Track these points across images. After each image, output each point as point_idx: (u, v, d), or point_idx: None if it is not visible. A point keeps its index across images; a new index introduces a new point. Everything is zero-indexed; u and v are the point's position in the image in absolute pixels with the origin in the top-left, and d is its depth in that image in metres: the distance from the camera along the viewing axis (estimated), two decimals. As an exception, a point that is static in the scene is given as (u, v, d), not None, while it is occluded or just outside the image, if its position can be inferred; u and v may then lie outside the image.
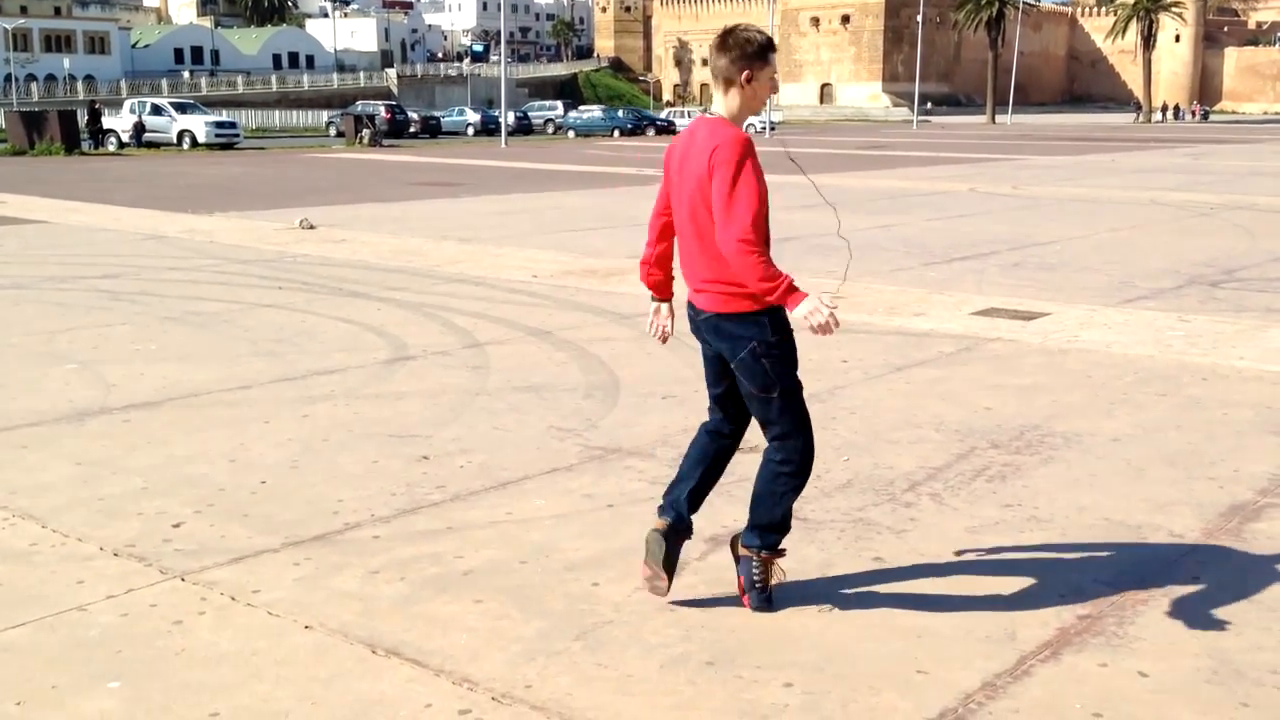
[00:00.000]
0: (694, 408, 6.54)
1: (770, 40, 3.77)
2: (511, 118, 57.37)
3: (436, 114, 64.99)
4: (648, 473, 5.43)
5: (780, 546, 3.96)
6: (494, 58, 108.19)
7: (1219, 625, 3.82)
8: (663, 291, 4.18)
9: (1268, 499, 5.06)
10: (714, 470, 4.07)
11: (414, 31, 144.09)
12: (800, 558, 4.38)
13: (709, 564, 4.34)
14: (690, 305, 3.92)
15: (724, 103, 3.74)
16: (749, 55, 3.67)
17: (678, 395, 6.84)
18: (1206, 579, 4.21)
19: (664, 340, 4.23)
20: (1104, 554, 4.45)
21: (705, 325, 3.86)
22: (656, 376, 7.31)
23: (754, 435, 4.06)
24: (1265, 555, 4.44)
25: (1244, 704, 3.32)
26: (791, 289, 3.52)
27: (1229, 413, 6.47)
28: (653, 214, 4.05)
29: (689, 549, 4.48)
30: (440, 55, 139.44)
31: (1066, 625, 3.82)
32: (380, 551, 4.44)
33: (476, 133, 61.48)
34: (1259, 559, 4.40)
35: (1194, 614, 3.92)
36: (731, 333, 3.77)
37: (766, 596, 3.94)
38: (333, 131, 57.56)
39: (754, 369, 3.76)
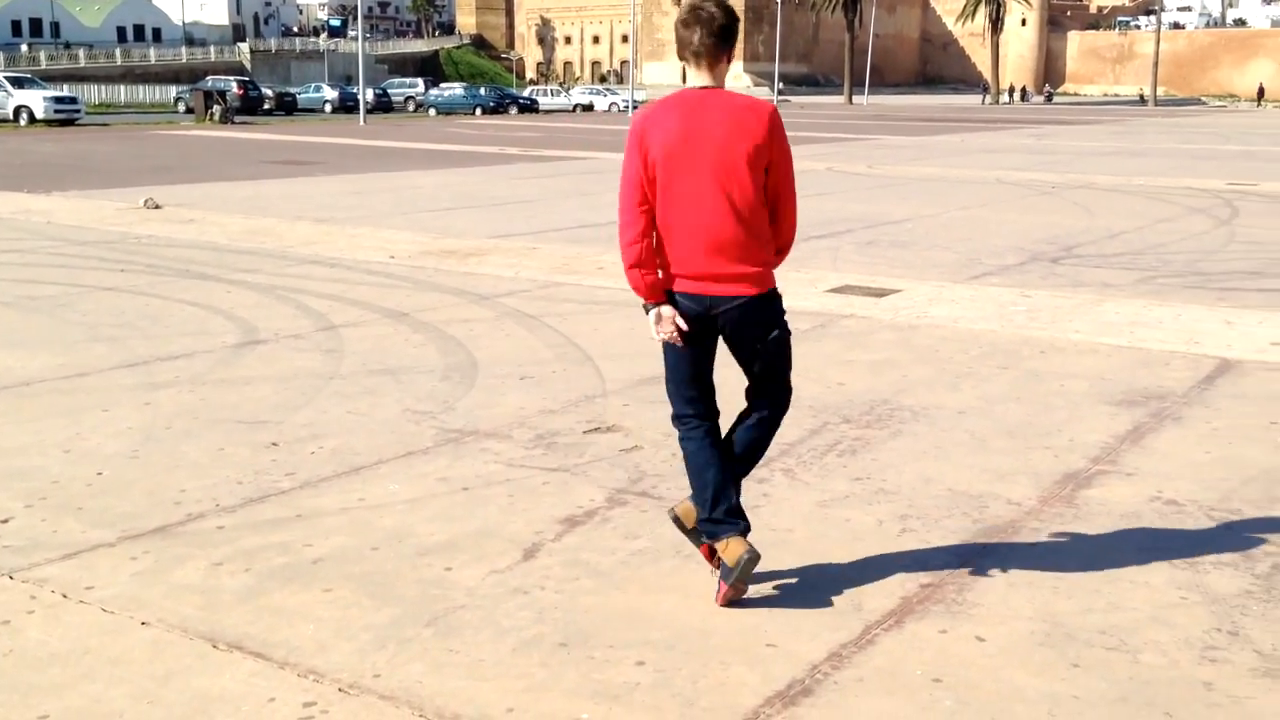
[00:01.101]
0: (552, 389, 6.53)
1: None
2: (370, 95, 56.12)
3: (292, 90, 63.28)
4: (504, 454, 5.39)
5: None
6: (352, 33, 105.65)
7: (1053, 589, 3.98)
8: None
9: (1099, 466, 5.29)
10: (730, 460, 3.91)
11: (268, 5, 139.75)
12: (654, 536, 4.41)
13: (563, 545, 4.33)
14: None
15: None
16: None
17: (535, 376, 6.80)
18: (1042, 545, 4.38)
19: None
20: (947, 523, 4.58)
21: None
22: (515, 357, 7.25)
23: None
24: (1096, 521, 4.63)
25: (1074, 664, 3.46)
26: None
27: (1065, 384, 6.74)
28: None
29: (544, 530, 4.48)
30: (296, 30, 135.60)
31: (910, 594, 3.93)
32: (224, 542, 4.31)
33: (334, 110, 60.11)
34: (1090, 524, 4.59)
35: (1030, 579, 4.07)
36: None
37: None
38: (181, 107, 55.62)
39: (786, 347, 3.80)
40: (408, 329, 8.08)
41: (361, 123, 46.00)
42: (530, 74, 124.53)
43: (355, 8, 57.55)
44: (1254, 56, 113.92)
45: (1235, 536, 4.47)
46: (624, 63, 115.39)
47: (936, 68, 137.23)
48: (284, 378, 6.73)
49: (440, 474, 5.12)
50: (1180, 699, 3.27)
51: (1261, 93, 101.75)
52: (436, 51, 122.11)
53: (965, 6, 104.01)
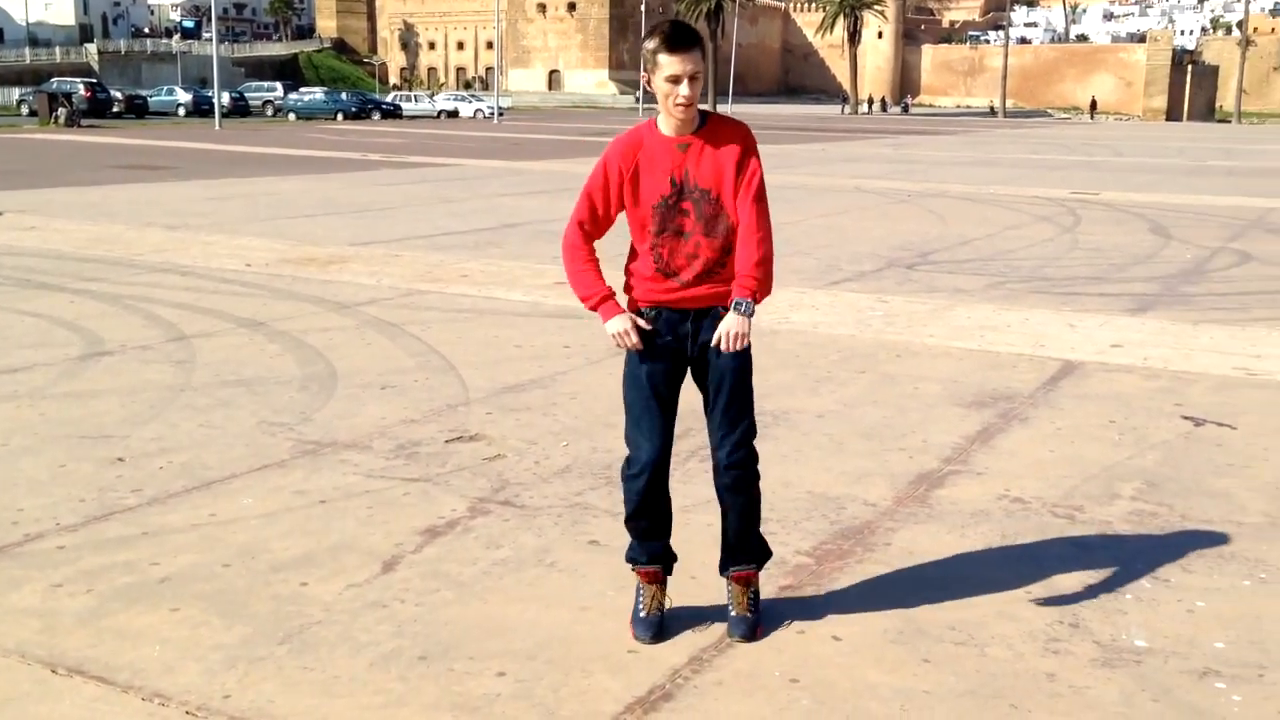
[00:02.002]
0: (414, 398, 6.43)
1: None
2: (227, 98, 54.67)
3: (143, 93, 61.28)
4: (363, 466, 5.29)
5: (637, 564, 3.74)
6: (206, 35, 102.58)
7: (906, 588, 4.08)
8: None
9: (951, 467, 5.45)
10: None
11: (117, 5, 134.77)
12: (516, 545, 4.38)
13: (424, 556, 4.26)
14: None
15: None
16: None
17: (397, 385, 6.69)
18: (897, 544, 4.48)
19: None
20: (806, 525, 4.66)
21: None
22: (376, 367, 7.13)
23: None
24: (947, 520, 4.77)
25: (925, 660, 3.55)
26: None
27: (919, 387, 6.93)
28: None
29: (404, 541, 4.40)
30: (147, 31, 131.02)
31: (769, 596, 3.97)
32: (65, 563, 4.13)
33: (189, 114, 58.35)
34: (943, 523, 4.73)
35: (884, 578, 4.16)
36: None
37: (643, 621, 3.69)
38: (25, 110, 53.36)
39: None
40: (264, 338, 7.87)
41: (217, 127, 44.76)
42: (394, 79, 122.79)
43: (209, 8, 55.96)
44: (1095, 71, 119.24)
45: (1077, 532, 4.65)
46: (489, 69, 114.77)
47: (798, 77, 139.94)
48: (131, 390, 6.49)
49: (296, 487, 5.00)
50: (1025, 690, 3.38)
51: (1094, 106, 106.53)
52: (296, 55, 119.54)
53: (824, 19, 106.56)
